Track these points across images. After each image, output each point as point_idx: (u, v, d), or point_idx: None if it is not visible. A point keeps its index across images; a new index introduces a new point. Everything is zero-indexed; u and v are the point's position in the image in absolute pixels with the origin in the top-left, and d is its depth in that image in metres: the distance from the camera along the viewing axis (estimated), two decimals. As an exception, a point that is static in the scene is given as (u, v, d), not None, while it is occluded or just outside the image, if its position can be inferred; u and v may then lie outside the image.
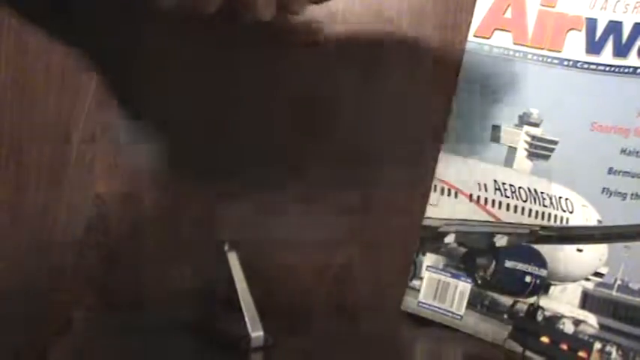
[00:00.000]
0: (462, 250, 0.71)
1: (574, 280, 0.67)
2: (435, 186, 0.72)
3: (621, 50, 0.67)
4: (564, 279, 0.68)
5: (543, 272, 0.68)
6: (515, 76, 0.70)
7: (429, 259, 0.72)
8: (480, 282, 0.70)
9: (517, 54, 0.71)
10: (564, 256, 0.68)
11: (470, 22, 0.72)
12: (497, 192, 0.71)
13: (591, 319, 0.65)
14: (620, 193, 0.65)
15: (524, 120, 0.70)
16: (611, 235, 0.65)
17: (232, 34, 0.69)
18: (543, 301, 0.68)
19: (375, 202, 0.73)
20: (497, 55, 0.71)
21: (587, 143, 0.67)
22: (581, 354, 0.64)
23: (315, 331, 0.69)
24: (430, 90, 0.73)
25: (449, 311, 0.71)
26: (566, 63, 0.69)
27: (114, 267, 0.71)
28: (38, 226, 0.70)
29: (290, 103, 0.72)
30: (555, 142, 0.69)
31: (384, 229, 0.73)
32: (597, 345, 0.64)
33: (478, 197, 0.71)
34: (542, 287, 0.68)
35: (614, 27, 0.67)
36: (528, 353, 0.66)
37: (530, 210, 0.69)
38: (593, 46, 0.68)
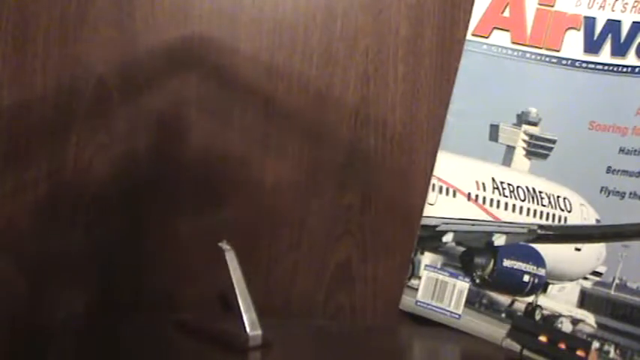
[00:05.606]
0: (460, 249, 0.71)
1: (572, 279, 0.67)
2: (434, 185, 0.72)
3: (620, 49, 0.66)
4: (562, 278, 0.68)
5: (541, 271, 0.68)
6: (513, 75, 0.70)
7: (427, 258, 0.72)
8: (478, 281, 0.70)
9: (515, 53, 0.71)
10: (562, 255, 0.68)
11: (468, 20, 0.72)
12: (496, 191, 0.71)
13: (589, 318, 0.65)
14: (618, 192, 0.65)
15: (522, 119, 0.70)
16: (609, 234, 0.65)
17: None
18: (541, 300, 0.68)
19: (374, 202, 0.73)
20: (496, 54, 0.71)
21: (585, 142, 0.67)
22: (580, 353, 0.64)
23: (313, 330, 0.69)
24: (428, 88, 0.73)
25: (447, 310, 0.71)
26: (564, 62, 0.69)
27: (113, 267, 0.71)
28: (38, 225, 0.70)
29: (292, 101, 0.72)
30: (554, 141, 0.69)
31: (382, 229, 0.73)
32: (595, 344, 0.64)
33: (476, 196, 0.71)
34: (541, 286, 0.68)
35: (613, 26, 0.67)
36: (526, 352, 0.66)
37: (529, 209, 0.69)
38: (592, 45, 0.68)
